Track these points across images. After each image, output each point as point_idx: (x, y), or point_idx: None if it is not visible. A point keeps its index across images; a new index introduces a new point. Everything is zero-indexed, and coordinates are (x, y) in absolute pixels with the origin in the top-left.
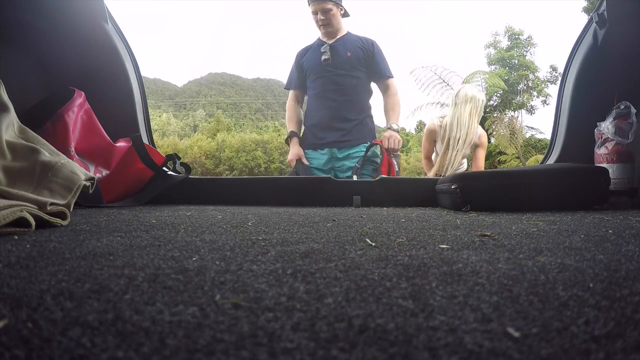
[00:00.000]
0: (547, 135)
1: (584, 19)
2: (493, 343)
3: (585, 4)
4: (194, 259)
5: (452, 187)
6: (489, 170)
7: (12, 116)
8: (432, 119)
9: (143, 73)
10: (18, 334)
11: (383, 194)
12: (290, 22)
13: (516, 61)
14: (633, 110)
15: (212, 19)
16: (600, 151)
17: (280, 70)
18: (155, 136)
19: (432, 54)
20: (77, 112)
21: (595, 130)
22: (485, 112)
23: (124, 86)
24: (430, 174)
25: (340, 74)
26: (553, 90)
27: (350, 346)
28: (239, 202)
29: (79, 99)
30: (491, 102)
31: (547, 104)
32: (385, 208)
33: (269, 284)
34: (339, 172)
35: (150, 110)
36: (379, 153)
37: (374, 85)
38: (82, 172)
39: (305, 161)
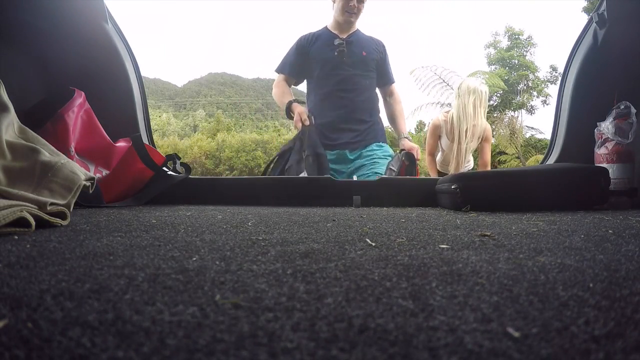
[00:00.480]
0: (547, 135)
1: (584, 19)
2: (493, 343)
3: (585, 4)
4: (194, 259)
5: (452, 187)
6: (489, 170)
7: (12, 116)
8: (437, 115)
9: (143, 73)
10: (18, 334)
11: (383, 194)
12: (290, 22)
13: (516, 61)
14: (633, 110)
15: (212, 19)
16: (600, 151)
17: None
18: (155, 136)
19: (432, 53)
20: (77, 112)
21: (595, 130)
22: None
23: (124, 86)
24: (451, 169)
25: (356, 73)
26: (553, 90)
27: (350, 346)
28: (239, 202)
29: (79, 98)
30: (491, 102)
31: (547, 104)
32: (385, 208)
33: (269, 284)
34: (346, 174)
35: (150, 110)
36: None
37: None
38: (82, 172)
39: (311, 121)
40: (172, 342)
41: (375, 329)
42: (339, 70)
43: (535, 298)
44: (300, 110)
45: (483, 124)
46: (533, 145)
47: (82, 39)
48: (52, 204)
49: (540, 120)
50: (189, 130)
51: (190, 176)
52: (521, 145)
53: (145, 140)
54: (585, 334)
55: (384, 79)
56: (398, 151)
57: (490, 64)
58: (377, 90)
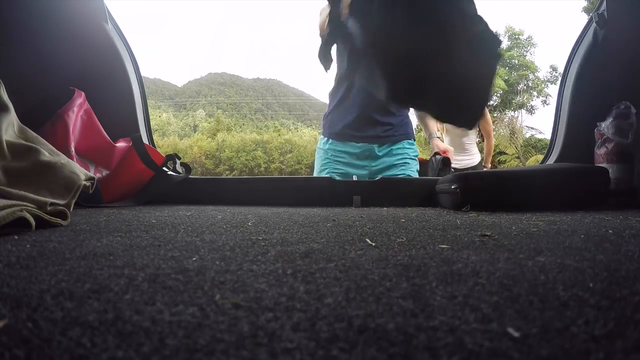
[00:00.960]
0: (547, 135)
1: (584, 18)
2: (493, 343)
3: (585, 4)
4: (194, 259)
5: (452, 187)
6: (489, 170)
7: (12, 116)
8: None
9: (143, 73)
10: (18, 333)
11: (383, 194)
12: (290, 22)
13: (516, 61)
14: (633, 110)
15: (212, 19)
16: (600, 151)
17: (280, 70)
18: (155, 136)
19: None
20: (77, 112)
21: (595, 130)
22: None
23: (124, 86)
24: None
25: None
26: (553, 90)
27: (351, 346)
28: (239, 202)
29: (79, 98)
30: (491, 102)
31: (547, 104)
32: (385, 208)
33: (269, 284)
34: (372, 172)
35: (150, 110)
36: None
37: None
38: (82, 172)
39: None
40: (172, 342)
41: (375, 329)
42: None
43: (535, 298)
44: None
45: None
46: (533, 145)
47: (82, 39)
48: (52, 204)
49: (540, 120)
50: (189, 130)
51: (191, 176)
52: (521, 145)
53: (145, 140)
54: (585, 334)
55: None
56: (432, 155)
57: None
58: None
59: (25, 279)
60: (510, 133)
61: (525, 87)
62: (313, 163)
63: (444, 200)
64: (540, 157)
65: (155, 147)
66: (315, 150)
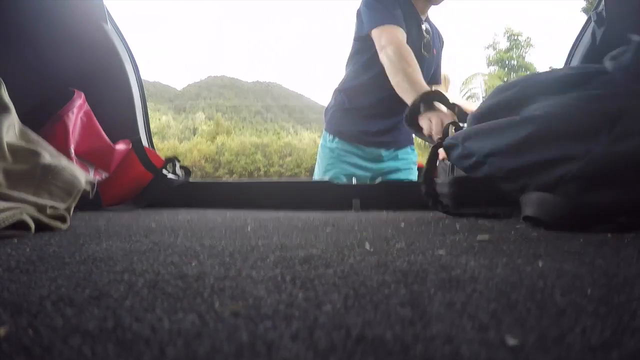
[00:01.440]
0: None
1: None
2: (490, 353)
3: (584, 4)
4: (193, 264)
5: (449, 189)
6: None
7: (13, 117)
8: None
9: (142, 76)
10: (19, 341)
11: (383, 197)
12: (289, 24)
13: (515, 62)
14: None
15: (211, 21)
16: None
17: (280, 73)
18: (155, 139)
19: None
20: (76, 114)
21: None
22: None
23: (123, 88)
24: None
25: (427, 67)
26: None
27: (348, 356)
28: (238, 206)
29: (79, 100)
30: None
31: None
32: (385, 212)
33: (267, 290)
34: (375, 174)
35: (149, 113)
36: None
37: None
38: (83, 175)
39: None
40: (172, 351)
41: (373, 339)
42: (417, 55)
43: (533, 305)
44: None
45: None
46: None
47: (81, 39)
48: (52, 207)
49: None
50: (189, 134)
51: (190, 180)
52: None
53: (145, 143)
54: (582, 343)
55: (432, 80)
56: (441, 159)
57: (489, 64)
58: None
59: (25, 283)
60: None
61: None
62: (313, 167)
63: (441, 203)
64: None
65: (154, 149)
66: (315, 153)
